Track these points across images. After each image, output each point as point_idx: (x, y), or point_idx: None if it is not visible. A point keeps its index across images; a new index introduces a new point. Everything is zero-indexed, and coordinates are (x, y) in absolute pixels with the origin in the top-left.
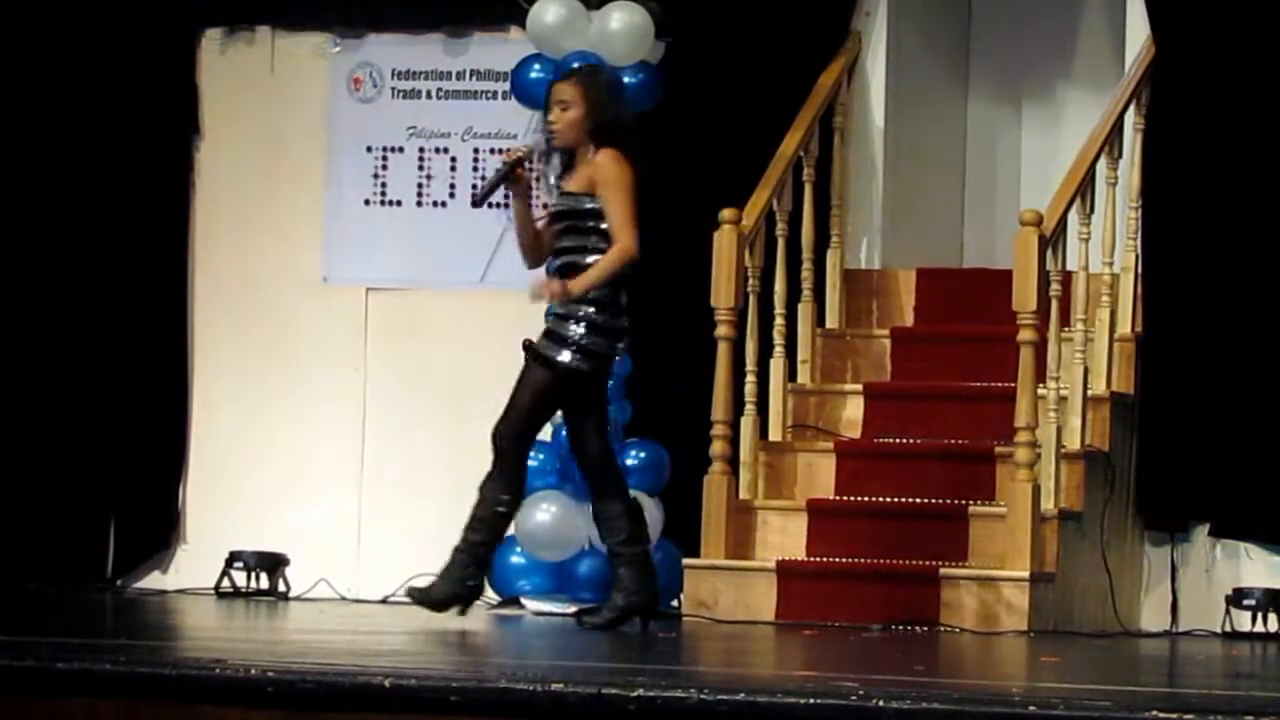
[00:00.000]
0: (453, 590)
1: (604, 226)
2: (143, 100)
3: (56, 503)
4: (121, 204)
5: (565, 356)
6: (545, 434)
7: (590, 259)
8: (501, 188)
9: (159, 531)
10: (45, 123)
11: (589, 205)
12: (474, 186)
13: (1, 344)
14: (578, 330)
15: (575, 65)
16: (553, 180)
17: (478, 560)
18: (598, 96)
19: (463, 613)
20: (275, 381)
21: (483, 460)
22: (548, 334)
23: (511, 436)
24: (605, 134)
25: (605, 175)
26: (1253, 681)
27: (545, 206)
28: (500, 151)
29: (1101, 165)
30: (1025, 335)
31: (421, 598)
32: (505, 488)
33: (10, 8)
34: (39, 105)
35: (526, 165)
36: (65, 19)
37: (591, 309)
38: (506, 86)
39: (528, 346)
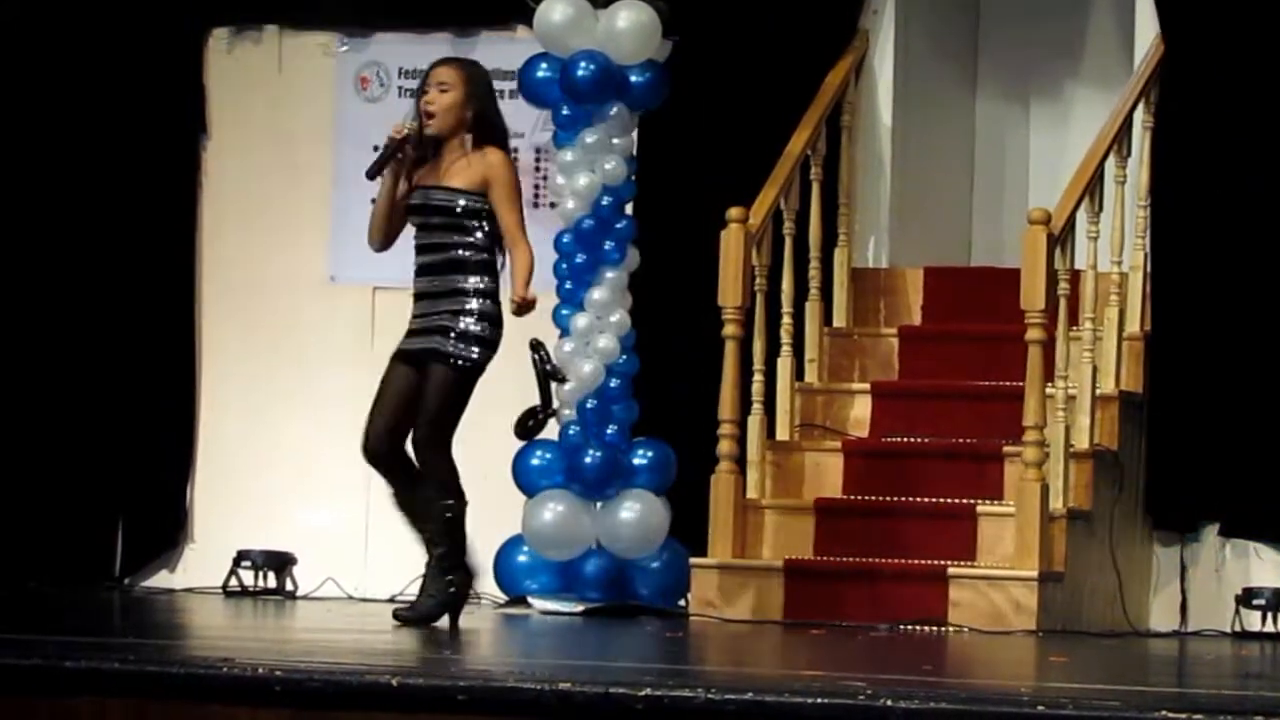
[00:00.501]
0: (438, 601)
1: (489, 227)
2: (150, 100)
3: (64, 502)
4: (129, 204)
5: (468, 350)
6: (552, 433)
7: (465, 254)
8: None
9: (167, 531)
10: (53, 123)
11: (479, 205)
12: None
13: (10, 344)
14: (472, 322)
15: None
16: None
17: (450, 568)
18: (476, 87)
19: (455, 618)
20: (282, 381)
21: (487, 459)
22: (442, 331)
23: (432, 446)
24: (486, 129)
25: (500, 177)
26: (1262, 682)
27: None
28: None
29: (1110, 164)
30: (1033, 334)
31: (410, 616)
32: (443, 495)
33: (17, 7)
34: (47, 105)
35: (411, 144)
36: (72, 19)
37: (482, 300)
38: (513, 85)
39: (536, 346)
